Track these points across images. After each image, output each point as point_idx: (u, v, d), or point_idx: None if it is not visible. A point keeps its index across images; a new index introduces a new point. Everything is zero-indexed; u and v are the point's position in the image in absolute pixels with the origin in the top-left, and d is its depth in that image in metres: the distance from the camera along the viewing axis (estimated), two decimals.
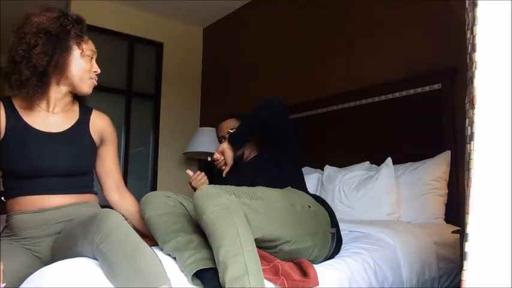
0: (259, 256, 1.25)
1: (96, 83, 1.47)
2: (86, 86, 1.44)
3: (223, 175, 1.82)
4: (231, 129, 1.94)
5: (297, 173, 1.84)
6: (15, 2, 3.79)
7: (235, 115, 2.02)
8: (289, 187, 1.59)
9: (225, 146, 1.78)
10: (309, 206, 1.44)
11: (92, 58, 1.44)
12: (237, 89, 3.98)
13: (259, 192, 1.25)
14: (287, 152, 1.80)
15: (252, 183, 1.75)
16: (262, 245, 1.28)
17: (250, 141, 1.89)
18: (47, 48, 1.32)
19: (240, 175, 1.80)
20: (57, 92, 1.41)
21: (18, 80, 1.32)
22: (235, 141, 1.77)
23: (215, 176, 2.00)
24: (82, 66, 1.41)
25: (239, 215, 1.16)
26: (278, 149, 1.80)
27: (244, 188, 1.24)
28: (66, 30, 1.36)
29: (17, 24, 1.36)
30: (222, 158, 1.79)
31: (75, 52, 1.39)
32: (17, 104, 1.41)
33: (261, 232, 1.21)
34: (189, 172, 1.90)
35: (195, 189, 1.88)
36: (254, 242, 1.15)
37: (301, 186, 1.81)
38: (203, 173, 1.88)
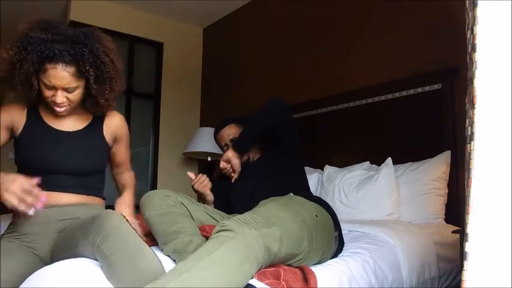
0: None
1: (62, 112, 1.42)
2: (54, 109, 1.41)
3: (232, 181, 1.81)
4: (233, 137, 1.91)
5: (300, 173, 1.84)
6: (15, 2, 3.79)
7: (233, 120, 1.99)
8: (291, 193, 1.58)
9: (230, 154, 1.76)
10: (316, 215, 1.41)
11: (53, 88, 1.36)
12: (237, 89, 3.99)
13: (273, 218, 1.22)
14: (291, 152, 1.80)
15: (256, 185, 1.75)
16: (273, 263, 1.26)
17: (255, 144, 1.88)
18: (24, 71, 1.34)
19: (244, 177, 1.79)
20: None
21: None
22: (241, 148, 1.76)
23: (217, 179, 1.97)
24: (44, 92, 1.38)
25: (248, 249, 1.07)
26: (282, 150, 1.80)
27: (258, 216, 1.20)
28: (26, 59, 1.33)
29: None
30: (229, 166, 1.78)
31: (37, 77, 1.37)
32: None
33: (278, 256, 1.20)
34: (191, 174, 1.84)
35: (197, 192, 1.87)
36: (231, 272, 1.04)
37: (303, 187, 1.81)
38: (205, 176, 1.84)
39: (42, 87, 1.36)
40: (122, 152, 1.64)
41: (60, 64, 1.30)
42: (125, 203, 1.54)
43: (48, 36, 1.30)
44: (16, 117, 1.45)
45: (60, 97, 1.36)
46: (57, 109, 1.40)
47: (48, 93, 1.36)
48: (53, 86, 1.34)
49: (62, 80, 1.33)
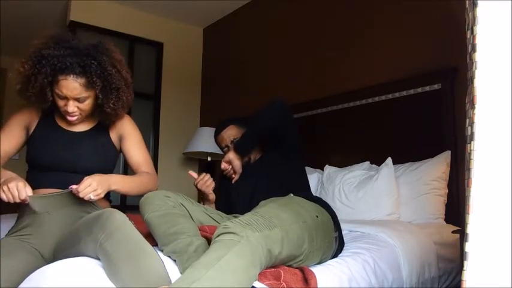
0: None
1: (75, 121, 1.52)
2: (67, 118, 1.51)
3: (233, 182, 1.81)
4: (233, 138, 1.90)
5: (300, 173, 1.84)
6: (15, 2, 3.79)
7: (232, 121, 1.98)
8: (291, 194, 1.57)
9: (232, 156, 1.76)
10: (317, 216, 1.41)
11: (65, 98, 1.45)
12: (237, 89, 3.99)
13: (274, 219, 1.22)
14: (291, 152, 1.80)
15: (256, 185, 1.75)
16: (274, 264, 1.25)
17: (256, 145, 1.87)
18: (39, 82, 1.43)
19: (245, 177, 1.79)
20: None
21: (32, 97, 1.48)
22: (243, 150, 1.76)
23: (219, 179, 1.96)
24: (57, 102, 1.48)
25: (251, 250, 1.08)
26: (282, 150, 1.79)
27: (260, 217, 1.20)
28: (40, 72, 1.42)
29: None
30: (230, 167, 1.78)
31: (51, 89, 1.46)
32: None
33: (279, 258, 1.20)
34: (193, 174, 1.83)
35: (200, 191, 1.86)
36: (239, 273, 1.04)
37: (304, 187, 1.80)
38: (209, 175, 1.82)
39: (56, 97, 1.46)
40: (133, 151, 1.64)
41: (71, 76, 1.40)
42: (98, 176, 1.39)
43: (60, 51, 1.39)
44: (31, 117, 1.56)
45: (72, 106, 1.45)
46: (69, 118, 1.50)
47: (60, 103, 1.46)
48: (64, 96, 1.44)
49: (73, 91, 1.42)
